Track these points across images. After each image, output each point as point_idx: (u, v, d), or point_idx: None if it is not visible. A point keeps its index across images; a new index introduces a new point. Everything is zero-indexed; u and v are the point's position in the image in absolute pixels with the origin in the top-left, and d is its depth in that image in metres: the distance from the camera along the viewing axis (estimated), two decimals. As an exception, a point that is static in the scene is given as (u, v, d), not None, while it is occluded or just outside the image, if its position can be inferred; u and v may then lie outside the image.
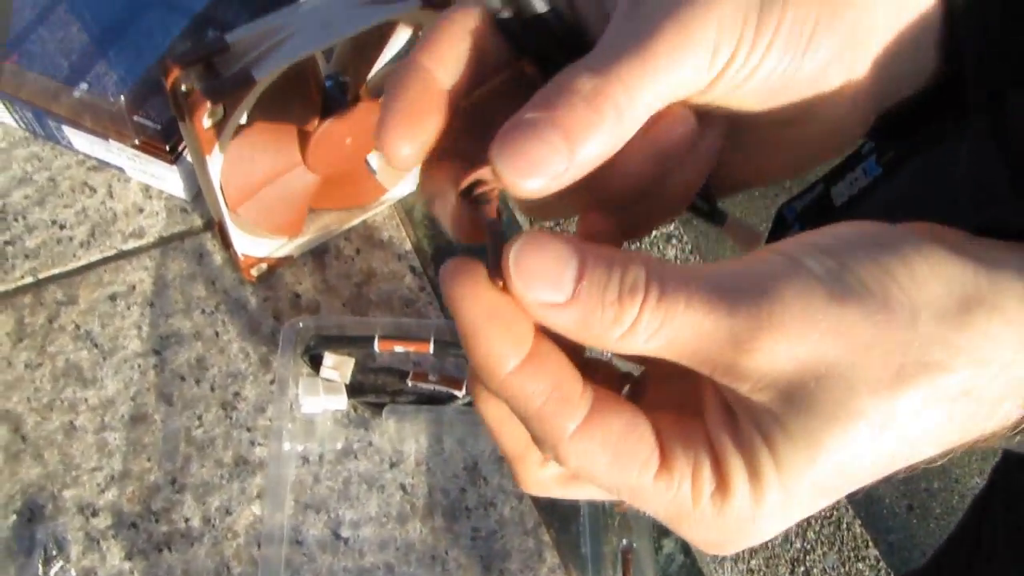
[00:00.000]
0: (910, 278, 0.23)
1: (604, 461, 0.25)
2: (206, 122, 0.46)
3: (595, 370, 0.28)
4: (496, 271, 0.24)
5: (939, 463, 0.26)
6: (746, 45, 0.26)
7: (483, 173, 0.27)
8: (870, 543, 0.53)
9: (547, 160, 0.25)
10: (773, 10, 0.26)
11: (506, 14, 0.28)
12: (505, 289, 0.24)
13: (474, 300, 0.25)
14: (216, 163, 0.50)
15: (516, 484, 0.30)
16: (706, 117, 0.28)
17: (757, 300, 0.23)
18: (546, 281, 0.24)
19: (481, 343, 0.25)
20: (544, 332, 0.25)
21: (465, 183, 0.27)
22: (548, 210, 0.30)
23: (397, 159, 0.27)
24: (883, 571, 0.53)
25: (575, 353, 0.26)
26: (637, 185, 0.28)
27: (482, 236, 0.28)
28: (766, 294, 0.23)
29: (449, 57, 0.28)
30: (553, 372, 0.25)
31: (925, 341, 0.23)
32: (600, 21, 0.28)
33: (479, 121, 0.28)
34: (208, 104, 0.46)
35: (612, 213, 0.29)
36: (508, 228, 0.65)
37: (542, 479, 0.29)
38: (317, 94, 0.51)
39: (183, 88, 0.46)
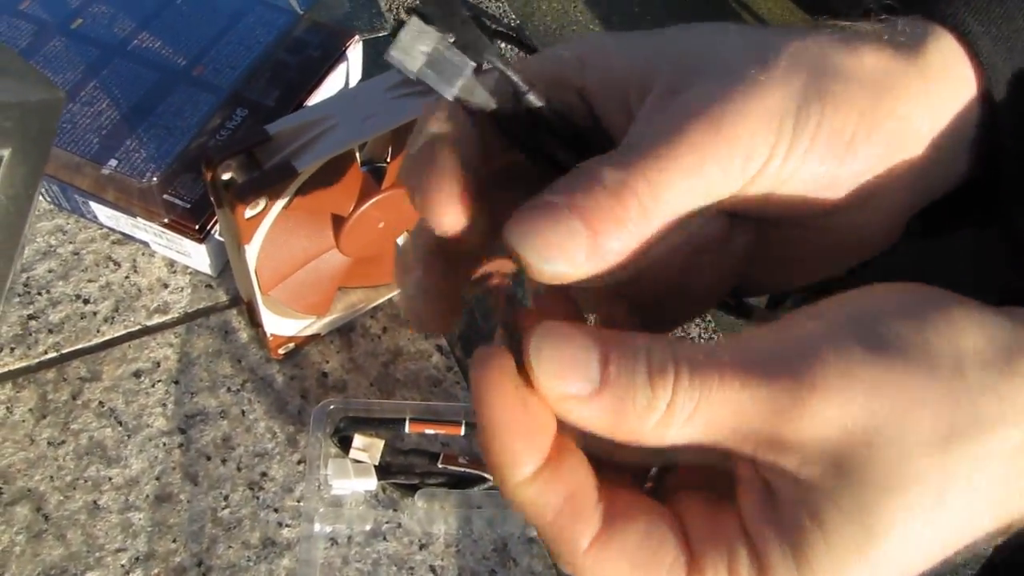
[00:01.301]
0: (950, 328, 0.22)
1: (624, 573, 0.23)
2: (247, 212, 0.47)
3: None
4: (520, 367, 0.23)
5: (1000, 539, 0.24)
6: (781, 151, 0.25)
7: (496, 265, 0.26)
8: None
9: (567, 245, 0.24)
10: (811, 116, 0.25)
11: (500, 108, 0.27)
12: (531, 385, 0.23)
13: (499, 395, 0.23)
14: (253, 250, 0.50)
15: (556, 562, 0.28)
16: (737, 216, 0.28)
17: (794, 365, 0.22)
18: (572, 372, 0.23)
19: (498, 443, 0.23)
20: (564, 433, 0.24)
21: (478, 274, 0.27)
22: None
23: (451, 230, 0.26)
24: None
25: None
26: (663, 282, 0.27)
27: (446, 327, 0.28)
28: (803, 358, 0.22)
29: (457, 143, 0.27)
30: (567, 481, 0.24)
31: (975, 393, 0.22)
32: (621, 117, 0.28)
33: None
34: (250, 197, 0.46)
35: (635, 308, 0.28)
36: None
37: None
38: (354, 181, 0.52)
39: (224, 179, 0.47)
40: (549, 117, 0.27)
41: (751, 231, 0.29)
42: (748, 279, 0.31)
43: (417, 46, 0.25)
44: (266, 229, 0.49)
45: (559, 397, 0.23)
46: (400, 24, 0.24)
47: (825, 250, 0.30)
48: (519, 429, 0.23)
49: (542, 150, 0.28)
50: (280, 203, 0.48)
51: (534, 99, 0.27)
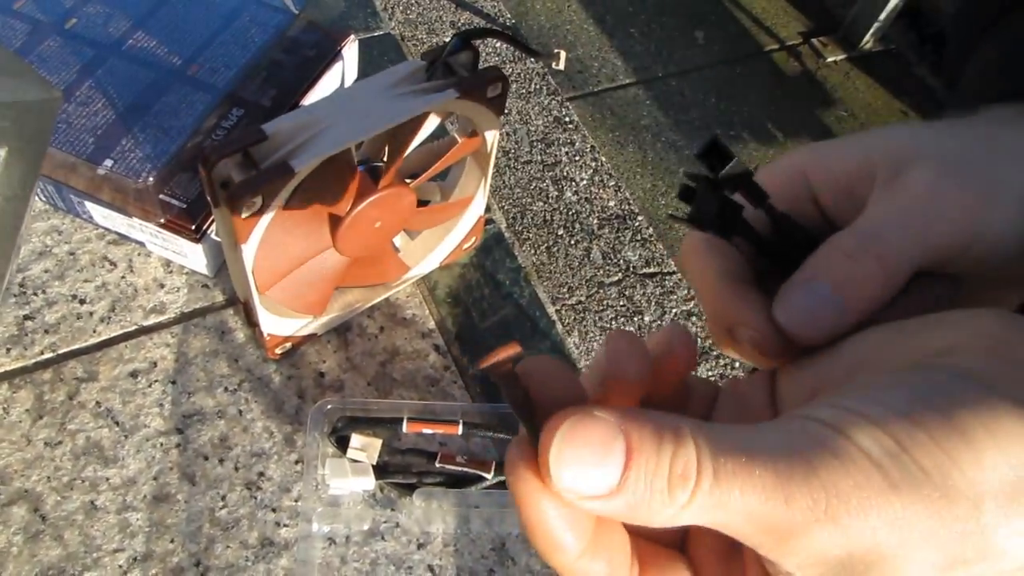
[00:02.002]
0: (975, 463, 0.22)
1: None
2: (244, 212, 0.47)
3: None
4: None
5: None
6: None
7: (505, 350, 0.25)
8: None
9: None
10: None
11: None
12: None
13: (534, 498, 0.24)
14: (250, 250, 0.50)
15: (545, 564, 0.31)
16: None
17: (813, 491, 0.22)
18: (590, 480, 0.23)
19: (540, 538, 0.25)
20: None
21: (489, 359, 0.25)
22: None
23: None
24: None
25: None
26: None
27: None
28: (822, 485, 0.22)
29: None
30: (607, 550, 0.26)
31: (988, 532, 0.22)
32: (849, 209, 0.32)
33: None
34: (247, 197, 0.46)
35: None
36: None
37: None
38: (351, 180, 0.52)
39: (220, 179, 0.47)
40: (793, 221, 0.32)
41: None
42: None
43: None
44: (263, 229, 0.49)
45: (576, 498, 0.23)
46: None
47: None
48: (558, 524, 0.24)
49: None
50: (277, 203, 0.48)
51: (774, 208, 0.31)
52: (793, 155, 0.34)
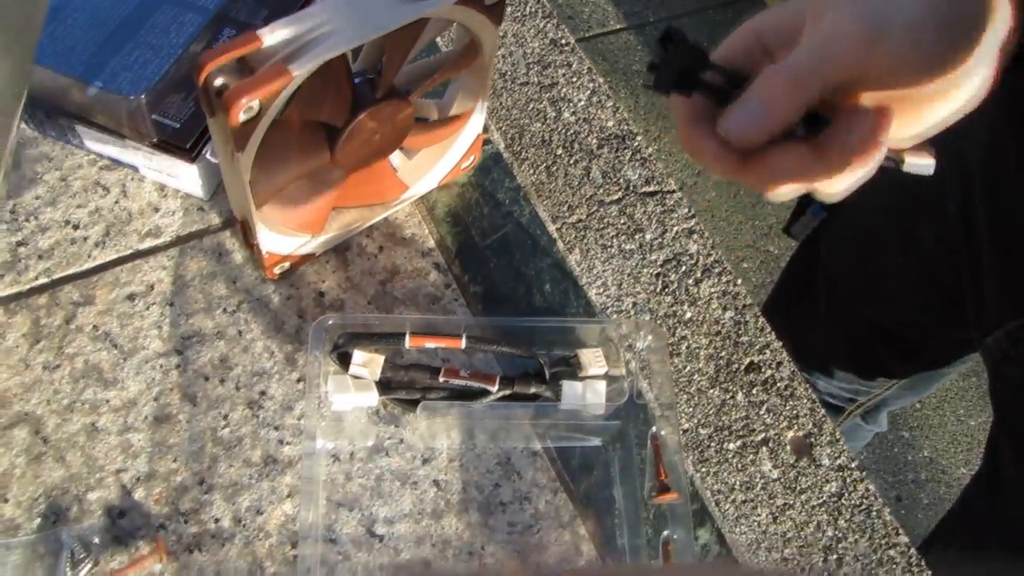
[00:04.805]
0: None
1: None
2: (241, 116, 0.46)
3: None
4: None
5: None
6: None
7: None
8: (900, 531, 0.54)
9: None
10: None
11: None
12: None
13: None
14: (247, 160, 0.49)
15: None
16: None
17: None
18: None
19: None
20: None
21: None
22: None
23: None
24: (913, 558, 0.54)
25: None
26: None
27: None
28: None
29: None
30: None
31: None
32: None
33: None
34: (244, 100, 0.45)
35: None
36: (519, 217, 0.65)
37: None
38: (348, 90, 0.51)
39: (216, 84, 0.46)
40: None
41: None
42: None
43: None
44: (260, 137, 0.48)
45: None
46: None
47: None
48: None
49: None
50: (274, 108, 0.47)
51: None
52: (747, 23, 0.44)
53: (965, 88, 0.41)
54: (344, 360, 0.55)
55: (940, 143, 0.45)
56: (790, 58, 0.40)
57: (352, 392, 0.55)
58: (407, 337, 0.55)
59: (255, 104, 0.46)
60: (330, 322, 0.55)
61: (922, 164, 0.44)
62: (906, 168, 0.45)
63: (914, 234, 0.78)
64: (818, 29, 0.40)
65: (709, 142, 0.42)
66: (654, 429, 0.54)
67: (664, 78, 0.42)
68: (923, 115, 0.42)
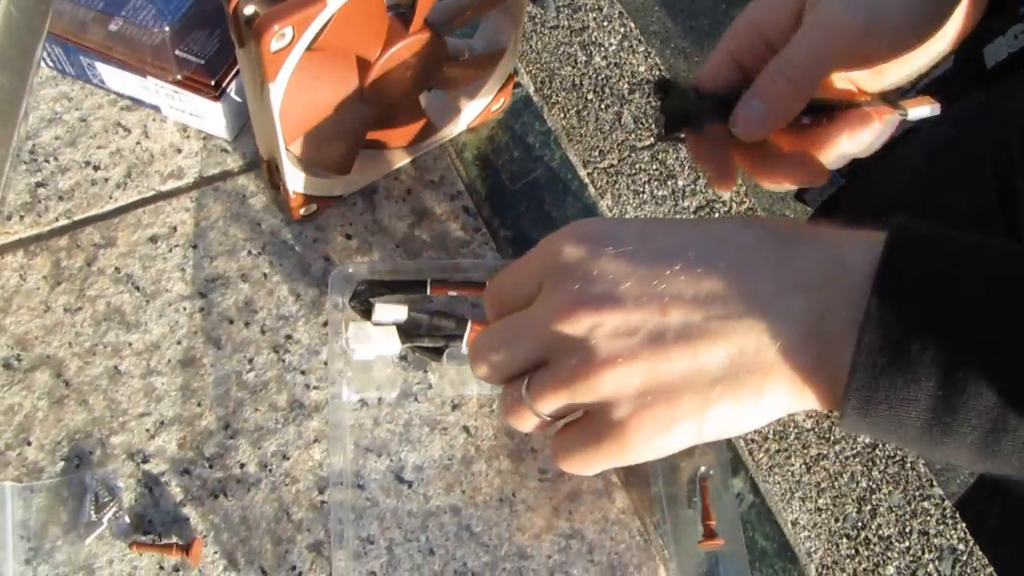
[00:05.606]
0: None
1: None
2: (273, 45, 0.44)
3: None
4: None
5: None
6: None
7: None
8: (934, 483, 0.53)
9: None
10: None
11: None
12: None
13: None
14: (277, 91, 0.47)
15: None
16: None
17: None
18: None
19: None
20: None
21: None
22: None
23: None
24: (947, 510, 0.53)
25: None
26: None
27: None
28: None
29: None
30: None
31: None
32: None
33: None
34: (276, 27, 0.44)
35: None
36: (550, 162, 0.63)
37: None
38: (381, 23, 0.49)
39: (246, 12, 0.44)
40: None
41: None
42: None
43: None
44: (291, 68, 0.46)
45: None
46: None
47: None
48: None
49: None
50: (306, 37, 0.45)
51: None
52: (747, 14, 0.46)
53: (951, 25, 0.43)
54: (366, 309, 0.54)
55: (975, 113, 0.48)
56: (789, 52, 0.42)
57: (374, 341, 0.53)
58: (428, 285, 0.53)
59: (288, 31, 0.44)
60: (351, 269, 0.53)
61: (926, 110, 0.46)
62: (911, 117, 0.46)
63: (944, 204, 0.76)
64: (815, 20, 0.42)
65: (715, 155, 0.47)
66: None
67: (671, 125, 0.46)
68: (915, 59, 0.45)
